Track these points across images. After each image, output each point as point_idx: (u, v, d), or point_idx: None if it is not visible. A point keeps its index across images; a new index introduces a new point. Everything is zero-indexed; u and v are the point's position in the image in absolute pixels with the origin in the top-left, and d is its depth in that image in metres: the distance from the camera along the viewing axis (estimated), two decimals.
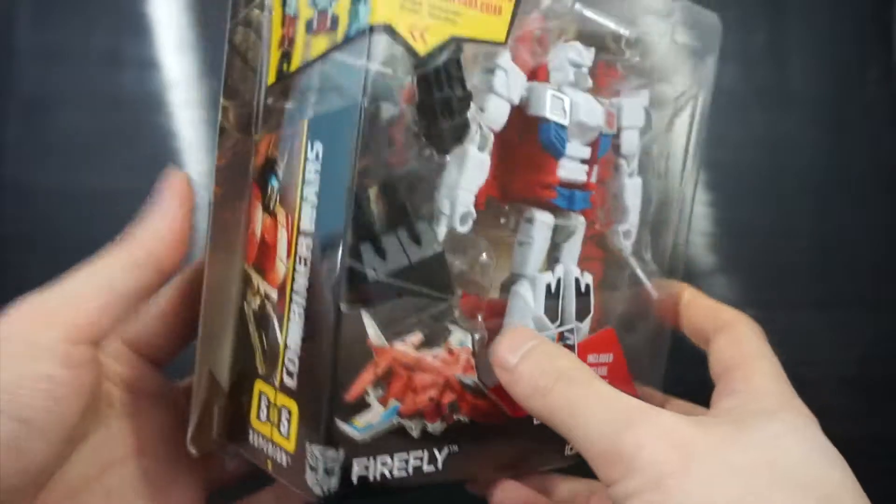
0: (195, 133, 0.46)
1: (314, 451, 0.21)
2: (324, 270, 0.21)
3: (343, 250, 0.21)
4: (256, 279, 0.24)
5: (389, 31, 0.20)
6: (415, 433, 0.23)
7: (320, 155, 0.21)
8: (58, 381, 0.22)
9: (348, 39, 0.20)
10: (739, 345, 0.26)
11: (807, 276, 0.49)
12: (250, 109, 0.24)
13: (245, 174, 0.24)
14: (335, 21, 0.21)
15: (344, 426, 0.21)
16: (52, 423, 0.22)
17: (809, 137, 0.50)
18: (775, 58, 0.50)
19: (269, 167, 0.23)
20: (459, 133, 0.22)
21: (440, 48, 0.21)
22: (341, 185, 0.20)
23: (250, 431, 0.24)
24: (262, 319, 0.23)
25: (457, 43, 0.22)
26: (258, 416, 0.24)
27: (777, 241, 0.49)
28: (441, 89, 0.21)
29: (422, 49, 0.21)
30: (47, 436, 0.22)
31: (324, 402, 0.21)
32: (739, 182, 0.49)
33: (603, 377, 0.23)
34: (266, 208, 0.23)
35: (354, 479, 0.22)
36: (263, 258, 0.23)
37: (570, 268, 0.27)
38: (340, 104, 0.21)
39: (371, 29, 0.20)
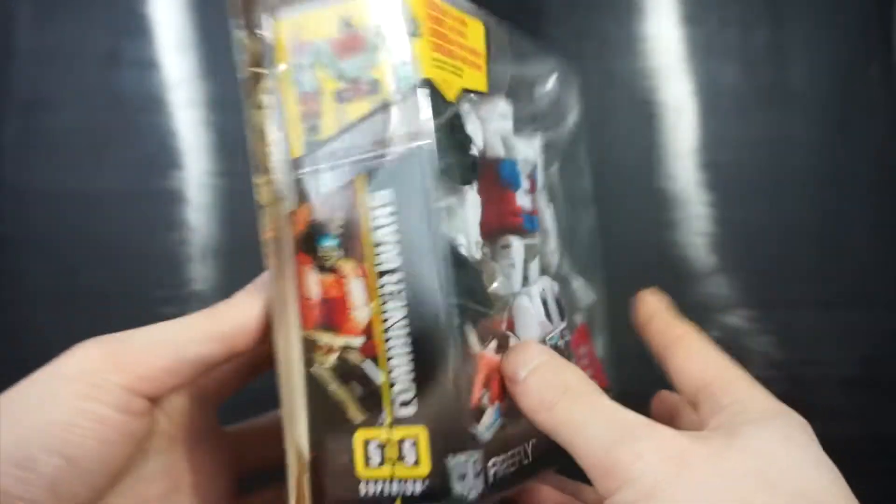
0: (195, 133, 0.46)
1: (459, 461, 0.24)
2: (426, 296, 0.24)
3: (444, 278, 0.24)
4: (326, 338, 0.25)
5: (431, 84, 0.24)
6: (511, 429, 0.25)
7: (391, 200, 0.24)
8: (111, 424, 0.22)
9: (397, 96, 0.24)
10: (703, 359, 0.25)
11: (807, 276, 0.49)
12: (279, 185, 0.26)
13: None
14: (375, 84, 0.24)
15: (476, 430, 0.24)
16: (97, 464, 0.22)
17: (809, 137, 0.50)
18: (775, 58, 0.50)
19: (317, 231, 0.25)
20: (475, 167, 0.26)
21: (459, 97, 0.26)
22: (423, 220, 0.24)
23: (360, 484, 0.25)
24: (347, 372, 0.25)
25: (464, 93, 0.26)
26: (367, 465, 0.25)
27: (777, 241, 0.49)
28: (459, 132, 0.26)
29: (450, 97, 0.25)
30: (90, 476, 0.22)
31: (459, 413, 0.24)
32: (739, 182, 0.49)
33: (586, 367, 0.23)
34: (322, 269, 0.25)
35: (492, 478, 0.24)
36: (331, 315, 0.25)
37: (541, 281, 0.30)
38: (403, 151, 0.24)
39: (421, 83, 0.24)
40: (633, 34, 0.50)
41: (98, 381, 0.22)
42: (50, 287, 0.45)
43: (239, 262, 0.46)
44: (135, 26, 0.46)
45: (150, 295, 0.46)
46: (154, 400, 0.24)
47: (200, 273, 0.46)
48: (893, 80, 0.50)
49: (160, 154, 0.46)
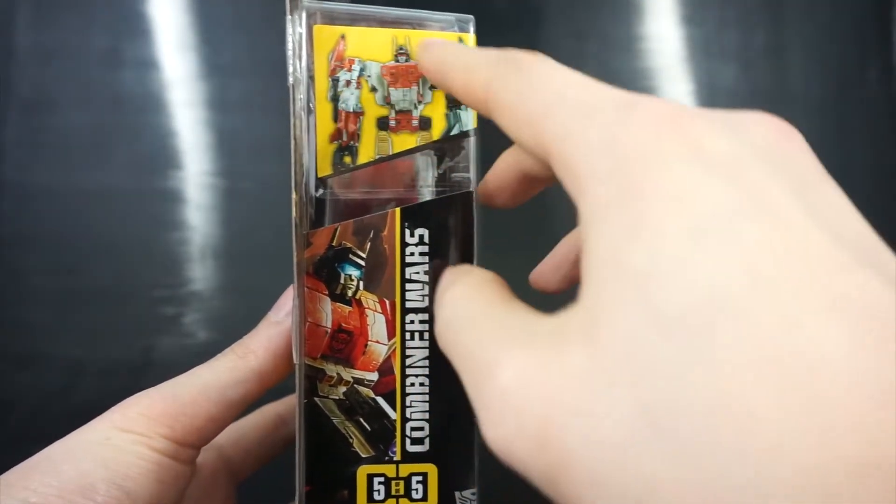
0: (195, 133, 0.46)
1: (467, 496, 0.24)
2: None
3: None
4: (335, 369, 0.25)
5: (477, 132, 0.25)
6: None
7: (425, 238, 0.24)
8: (165, 466, 0.23)
9: (447, 138, 0.24)
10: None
11: None
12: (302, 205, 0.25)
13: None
14: (426, 122, 0.24)
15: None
16: (152, 501, 0.23)
17: (809, 137, 0.50)
18: (775, 58, 0.50)
19: (339, 258, 0.24)
20: None
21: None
22: (466, 261, 0.24)
23: None
24: (355, 406, 0.25)
25: None
26: (371, 499, 0.25)
27: None
28: None
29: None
30: None
31: (471, 451, 0.25)
32: None
33: None
34: (339, 298, 0.24)
35: None
36: (343, 347, 0.25)
37: None
38: (446, 193, 0.24)
39: (474, 131, 0.24)
40: (633, 34, 0.50)
41: (150, 435, 0.23)
42: (50, 286, 0.45)
43: (239, 263, 0.46)
44: (135, 26, 0.46)
45: (150, 295, 0.46)
46: (198, 448, 0.24)
47: (200, 273, 0.46)
48: (893, 80, 0.50)
49: (160, 154, 0.46)
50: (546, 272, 0.27)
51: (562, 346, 0.14)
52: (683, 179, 0.13)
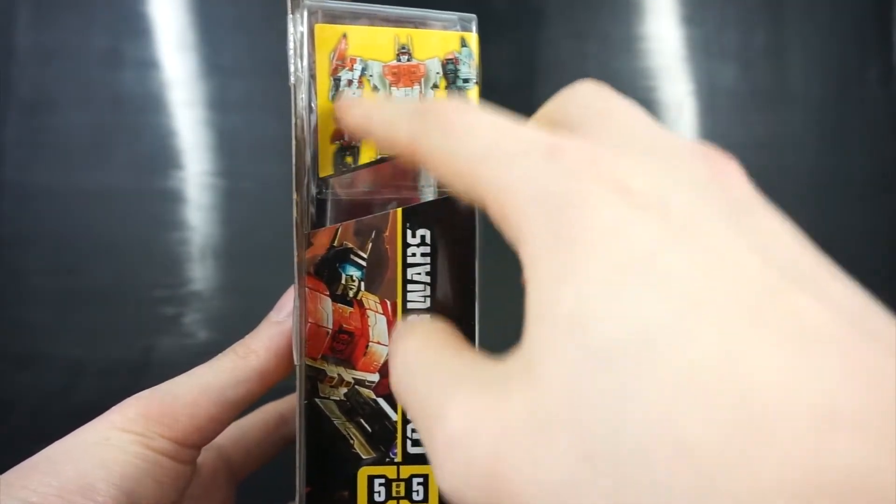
0: (195, 133, 0.46)
1: None
2: None
3: (475, 322, 0.24)
4: (336, 370, 0.25)
5: None
6: None
7: (427, 239, 0.24)
8: (165, 467, 0.23)
9: None
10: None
11: None
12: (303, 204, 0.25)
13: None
14: None
15: None
16: (151, 501, 0.23)
17: (809, 137, 0.50)
18: (775, 58, 0.50)
19: (340, 258, 0.24)
20: None
21: None
22: (467, 262, 0.24)
23: None
24: (356, 407, 0.25)
25: None
26: (371, 501, 0.25)
27: None
28: None
29: None
30: None
31: None
32: None
33: None
34: (340, 299, 0.24)
35: None
36: (345, 348, 0.24)
37: None
38: (448, 194, 0.24)
39: None
40: (633, 34, 0.50)
41: (149, 435, 0.23)
42: (50, 286, 0.45)
43: (239, 263, 0.46)
44: (135, 26, 0.46)
45: (150, 295, 0.46)
46: (199, 449, 0.24)
47: (200, 273, 0.46)
48: (893, 80, 0.50)
49: (160, 154, 0.46)
50: None
51: (505, 391, 0.14)
52: (607, 220, 0.13)
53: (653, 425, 0.11)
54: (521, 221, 0.15)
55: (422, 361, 0.18)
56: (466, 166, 0.16)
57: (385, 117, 0.19)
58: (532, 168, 0.15)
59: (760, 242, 0.14)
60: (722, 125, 0.50)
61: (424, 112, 0.18)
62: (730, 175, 0.16)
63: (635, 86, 0.49)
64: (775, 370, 0.11)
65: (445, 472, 0.15)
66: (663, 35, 0.50)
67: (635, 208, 0.14)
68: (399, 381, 0.18)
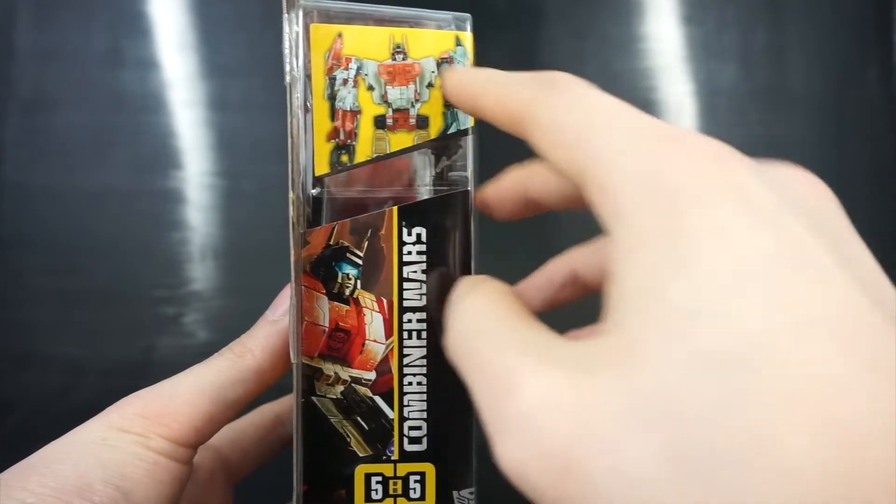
0: (195, 133, 0.47)
1: (465, 496, 0.25)
2: None
3: None
4: (332, 368, 0.25)
5: (475, 131, 0.25)
6: None
7: (423, 237, 0.24)
8: (162, 466, 0.23)
9: (445, 137, 0.24)
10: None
11: None
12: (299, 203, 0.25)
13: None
14: (424, 121, 0.24)
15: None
16: (149, 501, 0.23)
17: (809, 137, 0.50)
18: (775, 58, 0.50)
19: (336, 256, 0.24)
20: None
21: None
22: (455, 262, 0.24)
23: None
24: (353, 405, 0.25)
25: None
26: (369, 498, 0.25)
27: None
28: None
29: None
30: None
31: (469, 450, 0.25)
32: None
33: None
34: (337, 297, 0.24)
35: None
36: (341, 347, 0.25)
37: None
38: (444, 192, 0.24)
39: (472, 129, 0.24)
40: (633, 34, 0.50)
41: (147, 435, 0.23)
42: (50, 286, 0.45)
43: (239, 263, 0.46)
44: (135, 26, 0.46)
45: (150, 295, 0.46)
46: (195, 448, 0.24)
47: (200, 273, 0.46)
48: (893, 80, 0.50)
49: (160, 154, 0.46)
50: (527, 292, 0.27)
51: (594, 374, 0.14)
52: (730, 222, 0.13)
53: (755, 438, 0.11)
54: (625, 200, 0.15)
55: (489, 324, 0.17)
56: (576, 136, 0.16)
57: (501, 82, 0.19)
58: (650, 149, 0.15)
59: (861, 276, 0.14)
60: (722, 125, 0.50)
61: (542, 80, 0.18)
62: (829, 202, 0.17)
63: (635, 86, 0.49)
64: (883, 413, 0.11)
65: (512, 446, 0.14)
66: (663, 35, 0.50)
67: (755, 219, 0.13)
68: (459, 344, 0.17)
